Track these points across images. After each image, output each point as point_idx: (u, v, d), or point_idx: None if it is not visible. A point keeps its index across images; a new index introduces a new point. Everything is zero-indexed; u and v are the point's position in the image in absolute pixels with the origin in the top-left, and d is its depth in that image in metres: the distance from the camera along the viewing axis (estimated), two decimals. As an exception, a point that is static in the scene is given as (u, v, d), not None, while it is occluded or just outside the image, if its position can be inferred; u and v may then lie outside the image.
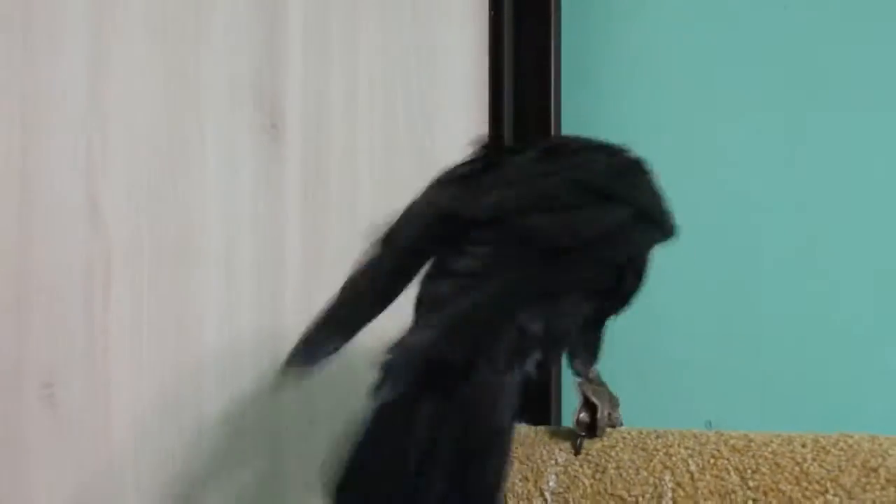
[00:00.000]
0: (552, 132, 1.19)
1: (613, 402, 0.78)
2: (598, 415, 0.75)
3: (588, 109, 1.22)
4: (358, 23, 1.07)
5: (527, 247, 0.68)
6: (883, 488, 0.63)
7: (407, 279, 0.71)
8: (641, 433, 0.75)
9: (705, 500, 0.68)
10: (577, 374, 0.78)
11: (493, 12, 1.22)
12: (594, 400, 0.76)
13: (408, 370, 0.64)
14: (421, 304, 0.69)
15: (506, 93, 1.21)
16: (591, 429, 0.76)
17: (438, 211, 0.73)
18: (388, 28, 1.11)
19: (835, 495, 0.64)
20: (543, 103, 1.20)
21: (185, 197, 0.93)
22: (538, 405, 1.17)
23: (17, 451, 0.81)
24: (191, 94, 0.93)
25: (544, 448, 0.77)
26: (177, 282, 0.91)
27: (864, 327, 1.10)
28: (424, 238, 0.72)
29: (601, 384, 0.78)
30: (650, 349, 1.17)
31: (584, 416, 0.76)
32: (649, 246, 0.74)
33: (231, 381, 0.95)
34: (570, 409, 0.79)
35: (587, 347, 0.77)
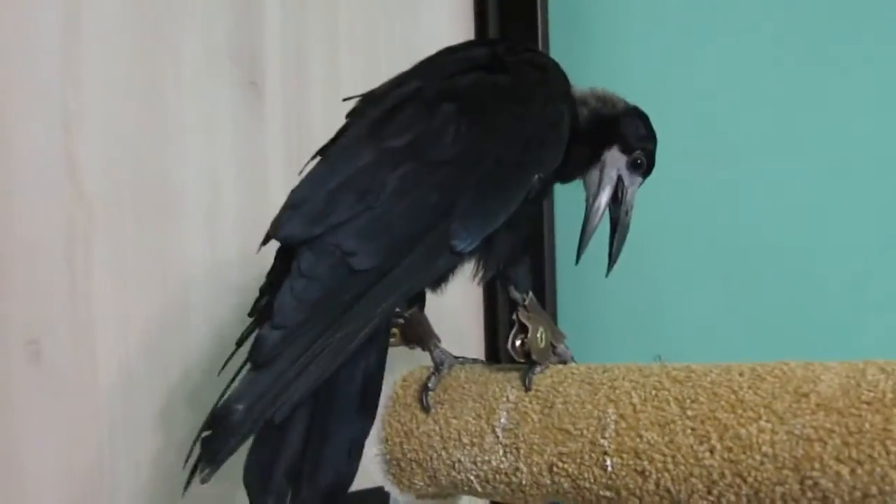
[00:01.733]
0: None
1: (557, 335, 0.78)
2: (529, 335, 0.75)
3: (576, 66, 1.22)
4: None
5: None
6: (813, 412, 0.63)
7: None
8: (589, 368, 0.75)
9: (646, 430, 0.68)
10: (514, 301, 0.78)
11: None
12: (526, 323, 0.76)
13: None
14: None
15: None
16: (529, 355, 0.76)
17: None
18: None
19: (767, 421, 0.64)
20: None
21: (164, 153, 0.94)
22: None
23: (4, 409, 0.83)
24: (168, 49, 0.95)
25: (497, 386, 0.78)
26: (159, 237, 0.93)
27: (852, 265, 1.09)
28: None
29: (540, 312, 0.78)
30: (639, 289, 1.17)
31: (520, 342, 0.76)
32: None
33: (215, 334, 0.96)
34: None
35: (522, 272, 0.78)
